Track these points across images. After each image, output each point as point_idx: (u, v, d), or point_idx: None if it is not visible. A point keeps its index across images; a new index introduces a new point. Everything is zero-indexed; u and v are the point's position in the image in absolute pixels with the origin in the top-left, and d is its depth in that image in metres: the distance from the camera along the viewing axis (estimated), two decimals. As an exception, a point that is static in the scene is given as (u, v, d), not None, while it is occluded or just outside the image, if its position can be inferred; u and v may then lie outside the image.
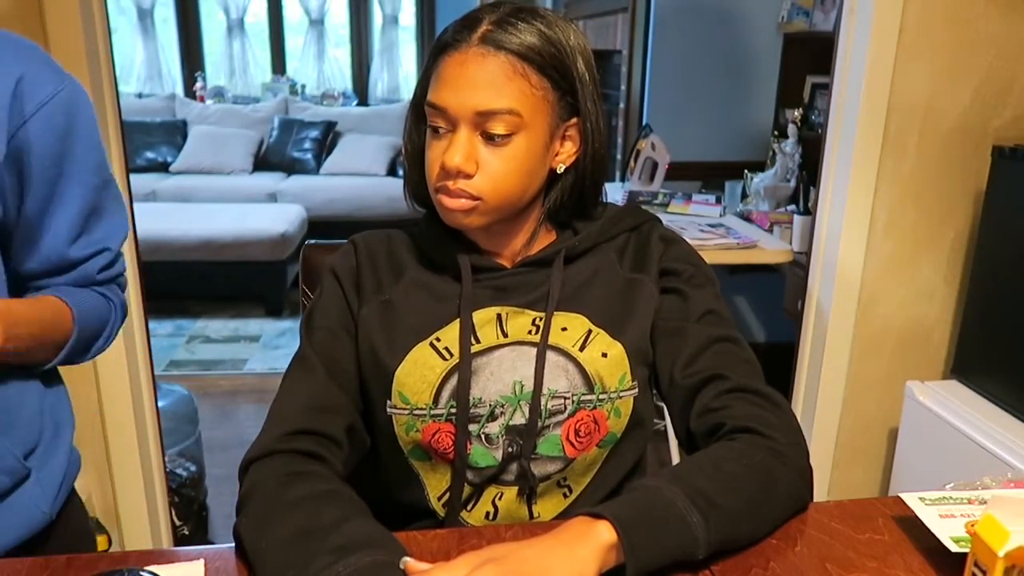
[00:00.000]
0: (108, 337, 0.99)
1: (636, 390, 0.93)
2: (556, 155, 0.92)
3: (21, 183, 0.88)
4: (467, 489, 0.94)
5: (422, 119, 0.92)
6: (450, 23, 0.90)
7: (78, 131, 0.90)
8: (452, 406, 0.90)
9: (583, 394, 0.91)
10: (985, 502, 0.81)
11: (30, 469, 0.92)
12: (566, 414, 0.91)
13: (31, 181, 0.88)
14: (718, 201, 2.90)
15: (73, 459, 1.00)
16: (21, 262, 0.93)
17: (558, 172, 0.93)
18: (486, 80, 0.85)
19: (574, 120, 0.91)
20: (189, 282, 4.35)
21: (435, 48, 0.90)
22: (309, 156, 5.57)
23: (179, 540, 2.13)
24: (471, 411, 0.90)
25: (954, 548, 0.74)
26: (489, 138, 0.86)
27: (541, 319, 0.93)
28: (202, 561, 0.77)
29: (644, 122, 3.39)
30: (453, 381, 0.90)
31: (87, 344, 0.96)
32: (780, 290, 2.77)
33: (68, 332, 0.91)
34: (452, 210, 0.89)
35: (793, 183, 2.83)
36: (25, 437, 0.92)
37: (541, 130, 0.88)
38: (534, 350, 0.91)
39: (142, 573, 0.74)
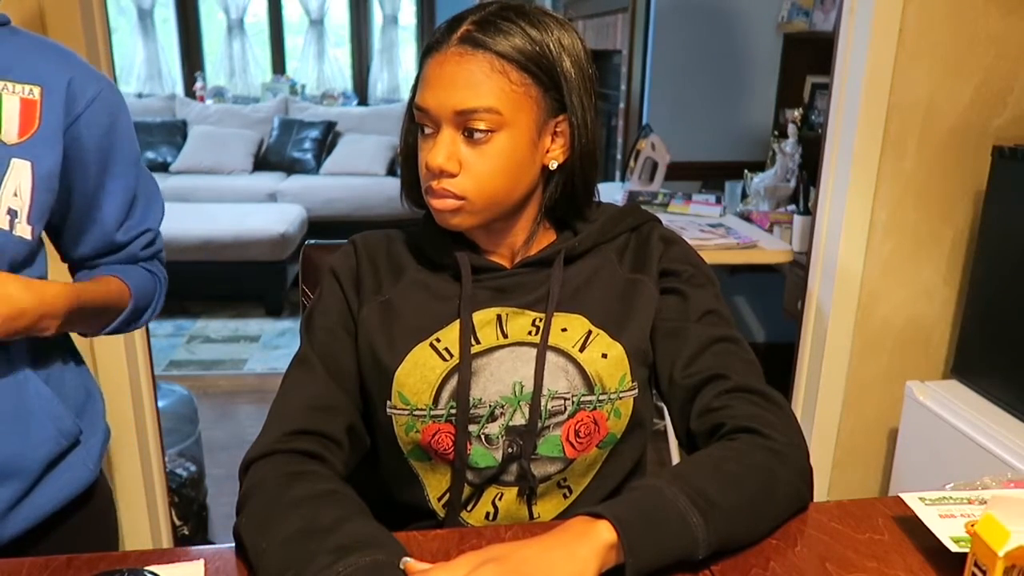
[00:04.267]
0: (155, 308, 1.10)
1: (636, 391, 0.93)
2: (547, 152, 0.92)
3: (71, 176, 0.97)
4: (467, 489, 0.94)
5: (415, 121, 0.92)
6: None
7: (119, 127, 1.00)
8: (452, 407, 0.90)
9: (583, 395, 0.91)
10: (985, 502, 0.81)
11: (81, 431, 1.02)
12: (566, 415, 0.91)
13: (80, 174, 0.97)
14: (718, 201, 2.90)
15: (106, 428, 1.10)
16: (73, 248, 1.05)
17: (551, 169, 0.93)
18: (464, 79, 0.85)
19: (563, 116, 0.91)
20: (189, 282, 4.33)
21: (423, 51, 0.90)
22: (309, 156, 5.57)
23: (179, 540, 2.13)
24: (471, 412, 0.90)
25: (954, 548, 0.74)
26: (471, 137, 0.87)
27: (541, 320, 0.93)
28: (202, 561, 0.77)
29: (644, 122, 3.39)
30: (453, 382, 0.90)
31: (139, 315, 1.07)
32: (780, 290, 2.77)
33: (125, 306, 1.03)
34: (439, 210, 0.90)
35: (793, 183, 2.83)
36: (69, 401, 1.02)
37: (525, 127, 0.88)
38: (534, 351, 0.91)
39: (142, 573, 0.74)
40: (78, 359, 1.08)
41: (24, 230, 0.91)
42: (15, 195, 0.89)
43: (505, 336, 0.93)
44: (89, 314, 0.98)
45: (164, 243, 1.13)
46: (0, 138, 0.89)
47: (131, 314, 1.04)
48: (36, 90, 0.91)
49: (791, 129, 2.91)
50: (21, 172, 0.89)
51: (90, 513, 1.06)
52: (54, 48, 0.96)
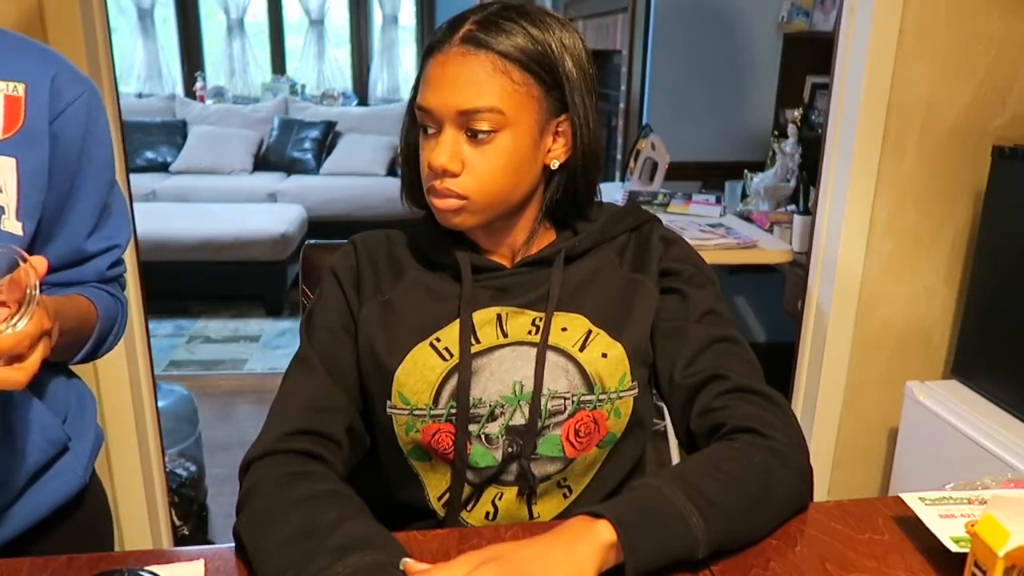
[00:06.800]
0: (116, 336, 1.04)
1: (636, 390, 0.93)
2: (549, 151, 0.92)
3: (48, 174, 0.94)
4: (467, 489, 0.94)
5: (416, 121, 0.92)
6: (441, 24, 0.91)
7: (96, 130, 0.97)
8: (452, 406, 0.90)
9: (583, 394, 0.91)
10: (985, 502, 0.81)
11: (70, 438, 1.00)
12: (566, 414, 0.91)
13: (56, 173, 0.94)
14: (718, 201, 2.90)
15: (98, 432, 1.08)
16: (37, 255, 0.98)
17: (553, 168, 0.93)
18: (467, 79, 0.85)
19: (565, 116, 0.91)
20: (189, 282, 4.35)
21: (424, 51, 0.90)
22: (309, 156, 5.57)
23: (179, 540, 2.13)
24: (471, 411, 0.90)
25: (954, 548, 0.74)
26: (473, 136, 0.87)
27: (541, 319, 0.93)
28: (202, 561, 0.77)
29: (644, 122, 3.39)
30: (453, 381, 0.90)
31: (102, 342, 1.02)
32: (780, 290, 2.77)
33: (92, 329, 0.97)
34: (442, 210, 0.90)
35: (793, 183, 2.83)
36: (59, 408, 1.00)
37: (527, 127, 0.88)
38: (534, 350, 0.91)
39: (142, 573, 0.74)
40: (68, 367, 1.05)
41: (14, 226, 0.89)
42: (0, 192, 0.88)
43: (505, 336, 0.93)
44: (64, 335, 0.90)
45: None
46: None
47: (97, 338, 0.99)
48: (20, 87, 0.90)
49: (791, 129, 2.91)
50: (5, 169, 0.88)
51: (81, 518, 1.04)
52: (38, 47, 0.95)
